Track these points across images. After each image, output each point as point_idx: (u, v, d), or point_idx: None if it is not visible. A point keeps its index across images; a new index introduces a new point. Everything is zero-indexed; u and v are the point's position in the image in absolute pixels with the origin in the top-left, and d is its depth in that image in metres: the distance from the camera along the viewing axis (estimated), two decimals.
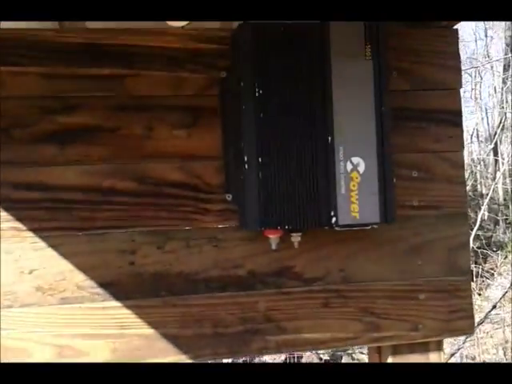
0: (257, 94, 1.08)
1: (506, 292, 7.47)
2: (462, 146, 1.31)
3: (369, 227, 1.13)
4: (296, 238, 1.17)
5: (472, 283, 1.33)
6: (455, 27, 1.29)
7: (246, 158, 1.09)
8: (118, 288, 1.17)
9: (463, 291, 1.31)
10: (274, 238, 1.15)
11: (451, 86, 1.29)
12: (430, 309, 1.27)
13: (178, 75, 1.19)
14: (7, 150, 1.13)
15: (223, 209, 1.22)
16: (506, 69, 10.10)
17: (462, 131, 1.31)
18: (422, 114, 1.28)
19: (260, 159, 1.08)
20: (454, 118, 1.29)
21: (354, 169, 1.09)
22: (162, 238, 1.20)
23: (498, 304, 7.45)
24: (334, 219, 1.09)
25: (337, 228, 1.10)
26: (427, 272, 1.29)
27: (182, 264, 1.20)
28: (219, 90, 1.21)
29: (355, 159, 1.09)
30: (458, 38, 1.29)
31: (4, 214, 1.13)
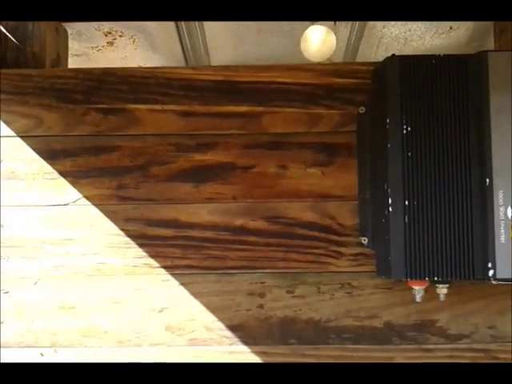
0: (404, 132, 1.00)
1: None
2: None
3: None
4: (442, 289, 1.05)
5: None
6: None
7: (389, 201, 1.00)
8: (246, 332, 1.12)
9: None
10: (419, 289, 1.04)
11: None
12: None
13: (314, 112, 1.15)
14: (144, 187, 1.14)
15: (357, 253, 1.13)
16: None
17: None
18: None
19: (407, 202, 0.99)
20: None
21: None
22: (292, 282, 1.14)
23: None
24: (491, 272, 0.96)
25: (494, 282, 0.97)
26: None
27: (313, 310, 1.13)
28: (356, 126, 1.14)
29: None
30: None
31: (138, 251, 1.13)
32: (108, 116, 1.16)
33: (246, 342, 1.12)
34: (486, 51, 1.00)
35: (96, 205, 1.14)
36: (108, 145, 1.16)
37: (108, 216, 1.14)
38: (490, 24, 1.44)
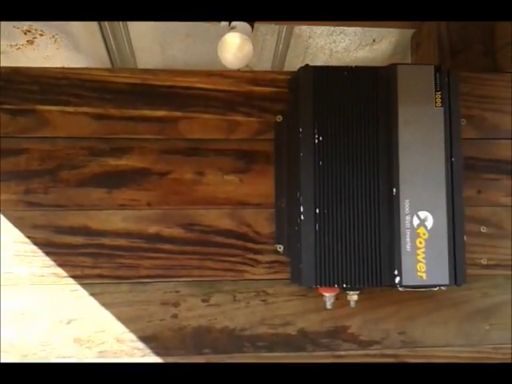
0: (316, 141, 1.01)
1: None
2: None
3: (436, 289, 1.02)
4: (353, 296, 1.07)
5: None
6: None
7: (301, 209, 1.01)
8: (159, 343, 1.09)
9: None
10: (329, 296, 1.05)
11: None
12: None
13: (232, 118, 1.14)
14: (53, 192, 1.09)
15: (273, 260, 1.13)
16: None
17: None
18: (491, 164, 1.18)
19: (317, 210, 1.00)
20: None
21: (421, 224, 1.00)
22: (208, 290, 1.12)
23: None
24: (397, 279, 0.99)
25: (400, 288, 1.00)
26: (495, 338, 1.17)
27: (228, 319, 1.12)
28: (274, 134, 1.14)
29: (423, 213, 1.00)
30: None
31: (45, 259, 1.08)
32: (16, 117, 1.11)
33: (158, 353, 1.09)
34: (396, 64, 1.03)
35: (1, 210, 1.08)
36: (15, 147, 1.10)
37: (14, 222, 1.08)
38: (410, 38, 1.49)
